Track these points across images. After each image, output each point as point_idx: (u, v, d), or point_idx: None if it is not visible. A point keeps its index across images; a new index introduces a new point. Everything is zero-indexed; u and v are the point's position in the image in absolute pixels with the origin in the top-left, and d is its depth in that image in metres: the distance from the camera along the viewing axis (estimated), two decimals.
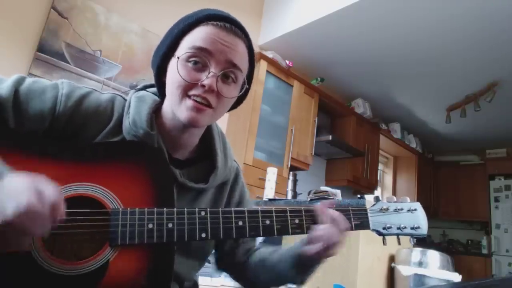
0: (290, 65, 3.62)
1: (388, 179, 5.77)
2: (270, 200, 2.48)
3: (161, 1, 2.98)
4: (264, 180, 2.75)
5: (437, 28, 3.11)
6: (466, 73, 3.81)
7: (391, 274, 2.04)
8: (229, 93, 0.74)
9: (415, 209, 0.84)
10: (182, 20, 0.77)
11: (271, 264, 0.84)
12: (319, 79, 3.98)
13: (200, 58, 0.71)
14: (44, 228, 0.55)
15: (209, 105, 0.72)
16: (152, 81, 0.83)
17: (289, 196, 3.29)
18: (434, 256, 1.95)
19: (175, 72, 0.71)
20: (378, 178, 5.06)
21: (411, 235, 0.83)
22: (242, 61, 0.75)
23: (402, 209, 0.84)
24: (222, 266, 0.95)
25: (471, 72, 3.76)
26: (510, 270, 4.93)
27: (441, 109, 4.65)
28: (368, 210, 0.82)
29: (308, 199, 2.21)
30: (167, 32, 0.79)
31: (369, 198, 2.18)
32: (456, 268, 1.99)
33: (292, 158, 3.46)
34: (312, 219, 0.77)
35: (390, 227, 0.82)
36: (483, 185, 5.57)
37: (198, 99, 0.70)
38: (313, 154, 3.74)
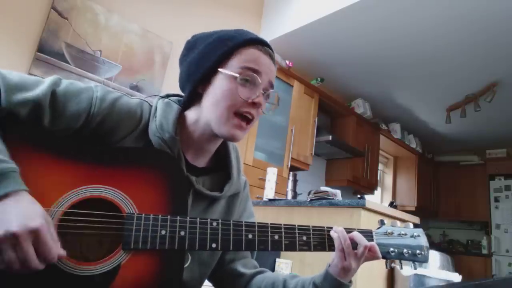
0: (290, 65, 3.62)
1: (388, 179, 5.76)
2: (270, 200, 2.48)
3: (161, 1, 2.98)
4: (264, 180, 2.75)
5: (437, 29, 3.11)
6: (466, 73, 3.81)
7: (391, 274, 2.04)
8: (264, 109, 0.84)
9: (418, 235, 0.87)
10: (227, 38, 0.81)
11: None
12: (319, 79, 3.98)
13: (251, 78, 0.78)
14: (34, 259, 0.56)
15: (251, 120, 0.80)
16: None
17: (289, 196, 3.28)
18: (434, 256, 1.95)
19: (228, 89, 0.77)
20: (378, 178, 5.06)
21: (413, 261, 0.86)
22: (274, 80, 0.85)
23: (405, 234, 0.87)
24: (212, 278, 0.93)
25: (471, 72, 3.77)
26: (510, 270, 4.92)
27: (441, 109, 4.65)
28: (374, 233, 0.86)
29: (308, 199, 2.20)
30: (207, 45, 0.81)
31: (369, 198, 2.18)
32: (456, 268, 1.99)
33: (292, 158, 3.46)
34: (320, 237, 0.80)
35: (393, 251, 0.84)
36: (483, 185, 5.57)
37: (247, 115, 0.79)
38: (313, 154, 3.74)
